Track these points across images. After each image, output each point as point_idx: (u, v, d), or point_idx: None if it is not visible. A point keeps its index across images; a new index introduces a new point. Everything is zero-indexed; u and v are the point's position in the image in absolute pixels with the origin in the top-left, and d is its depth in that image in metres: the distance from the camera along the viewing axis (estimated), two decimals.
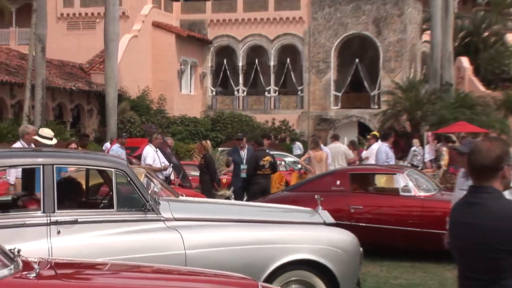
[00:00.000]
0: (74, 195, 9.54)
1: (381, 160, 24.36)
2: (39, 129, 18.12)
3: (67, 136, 34.04)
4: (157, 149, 19.50)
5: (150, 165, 18.56)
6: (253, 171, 20.12)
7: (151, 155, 18.95)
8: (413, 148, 30.04)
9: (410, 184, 15.93)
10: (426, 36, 50.43)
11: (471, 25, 54.71)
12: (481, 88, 48.06)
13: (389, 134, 28.86)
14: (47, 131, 16.57)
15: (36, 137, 15.57)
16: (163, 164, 19.41)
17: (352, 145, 29.57)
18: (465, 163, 8.85)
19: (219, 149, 34.05)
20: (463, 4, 58.48)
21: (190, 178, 22.27)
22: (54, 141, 16.27)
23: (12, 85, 40.61)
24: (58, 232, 8.14)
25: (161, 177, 17.67)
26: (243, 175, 20.91)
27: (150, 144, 19.38)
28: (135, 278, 6.54)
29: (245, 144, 22.85)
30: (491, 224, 4.70)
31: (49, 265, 6.20)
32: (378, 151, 24.91)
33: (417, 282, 13.01)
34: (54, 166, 8.35)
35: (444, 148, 28.16)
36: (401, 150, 31.57)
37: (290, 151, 39.42)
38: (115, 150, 21.08)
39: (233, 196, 22.92)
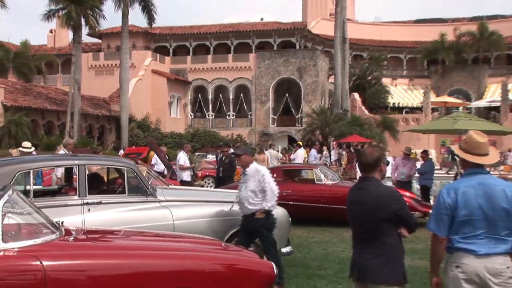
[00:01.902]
0: (99, 185, 9.73)
1: (312, 159, 26.77)
2: (63, 141, 17.97)
3: (94, 146, 34.13)
4: (187, 155, 19.21)
5: (181, 165, 18.59)
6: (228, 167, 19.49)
7: (183, 158, 18.73)
8: (324, 152, 31.02)
9: (322, 176, 16.33)
10: (331, 79, 51.33)
11: (360, 72, 56.60)
12: (367, 113, 49.81)
13: (315, 143, 33.01)
14: (27, 144, 16.01)
15: (20, 149, 15.40)
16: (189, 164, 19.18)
17: (284, 150, 31.95)
18: (241, 161, 9.32)
19: (196, 153, 35.14)
20: (355, 59, 60.07)
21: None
22: (32, 149, 15.84)
23: (58, 112, 41.85)
24: (88, 210, 8.38)
25: (157, 172, 17.73)
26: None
27: (183, 151, 19.14)
28: (141, 240, 6.72)
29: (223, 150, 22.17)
30: (372, 201, 4.97)
31: (82, 232, 6.28)
32: (310, 154, 27.57)
33: (326, 239, 13.33)
34: (86, 166, 8.57)
35: (344, 152, 29.52)
36: (319, 153, 30.42)
37: None
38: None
39: (207, 185, 23.13)
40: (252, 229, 8.67)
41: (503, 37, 61.06)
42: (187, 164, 18.83)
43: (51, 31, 59.47)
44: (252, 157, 9.18)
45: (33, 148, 16.07)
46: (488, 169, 5.20)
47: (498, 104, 51.24)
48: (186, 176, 18.62)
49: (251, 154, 9.25)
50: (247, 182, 8.76)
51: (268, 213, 8.69)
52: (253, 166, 8.94)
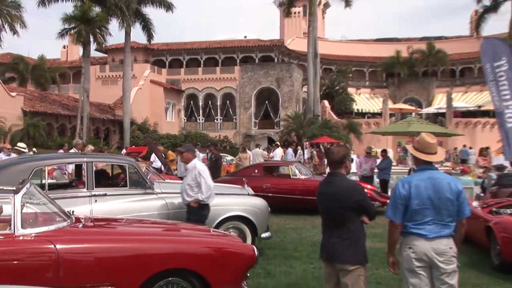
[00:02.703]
0: (104, 179, 9.64)
1: (289, 157, 26.69)
2: (76, 142, 17.43)
3: (100, 146, 32.68)
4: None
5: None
6: (215, 165, 20.38)
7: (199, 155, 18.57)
8: (298, 151, 30.84)
9: (297, 171, 16.31)
10: (304, 88, 50.73)
11: (329, 83, 56.27)
12: (335, 117, 49.30)
13: (292, 143, 33.10)
14: (22, 145, 16.23)
15: (16, 147, 15.47)
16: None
17: (267, 149, 31.97)
18: (183, 158, 9.09)
19: None
20: (325, 71, 59.48)
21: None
22: (26, 149, 15.97)
23: (70, 116, 41.57)
24: (95, 201, 8.27)
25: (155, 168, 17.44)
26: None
27: (196, 150, 20.46)
28: (140, 227, 6.68)
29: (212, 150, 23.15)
30: (338, 193, 4.99)
31: (90, 220, 6.27)
32: (287, 153, 27.60)
33: (300, 226, 13.34)
34: (93, 163, 8.49)
35: (315, 152, 29.49)
36: (294, 152, 30.30)
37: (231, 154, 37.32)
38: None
39: None
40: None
41: (448, 54, 61.68)
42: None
43: (64, 47, 59.44)
44: (193, 154, 8.84)
45: (27, 149, 16.18)
46: (436, 165, 5.27)
47: (444, 110, 51.63)
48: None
49: (193, 152, 8.91)
50: (187, 176, 8.57)
51: (204, 205, 8.45)
52: (193, 162, 8.65)
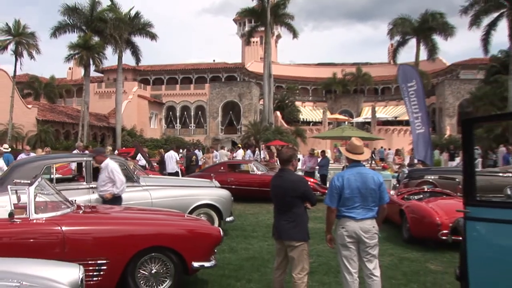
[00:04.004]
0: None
1: (248, 157, 26.38)
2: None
3: (99, 147, 33.68)
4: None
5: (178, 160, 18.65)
6: (189, 163, 20.39)
7: (199, 155, 19.98)
8: (256, 152, 30.30)
9: (255, 168, 16.12)
10: (261, 101, 50.46)
11: (280, 97, 56.30)
12: (285, 125, 49.31)
13: (251, 145, 33.11)
14: (6, 146, 15.86)
15: (1, 148, 14.65)
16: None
17: (231, 150, 31.70)
18: (95, 160, 8.13)
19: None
20: (277, 88, 58.81)
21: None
22: (9, 149, 15.56)
23: (73, 124, 41.62)
24: (93, 192, 8.10)
25: (141, 165, 16.83)
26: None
27: (196, 151, 19.73)
28: (129, 213, 6.59)
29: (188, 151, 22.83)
30: (287, 185, 4.95)
31: (89, 207, 6.23)
32: (247, 153, 27.43)
33: (257, 211, 13.24)
34: (90, 161, 8.40)
35: (267, 152, 29.44)
36: (253, 153, 30.27)
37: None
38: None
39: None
40: None
41: (372, 76, 62.52)
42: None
43: (69, 68, 58.80)
44: (104, 156, 8.16)
45: (9, 149, 15.86)
46: (364, 163, 5.31)
47: (369, 120, 52.21)
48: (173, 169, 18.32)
49: (103, 153, 8.31)
50: (101, 173, 7.93)
51: (118, 197, 7.92)
52: (105, 162, 7.93)
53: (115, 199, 7.88)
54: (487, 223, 4.09)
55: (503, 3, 31.66)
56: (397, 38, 44.04)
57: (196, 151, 21.08)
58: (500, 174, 13.48)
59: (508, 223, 3.93)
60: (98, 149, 8.98)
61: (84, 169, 8.61)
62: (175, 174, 17.86)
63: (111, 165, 7.91)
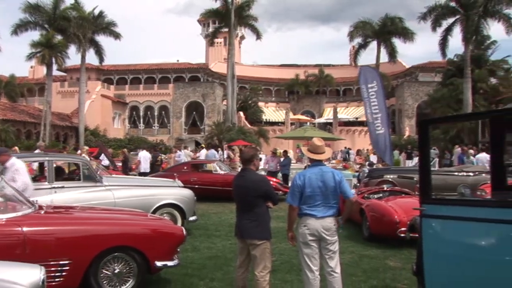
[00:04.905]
0: (62, 174, 9.41)
1: (211, 157, 24.83)
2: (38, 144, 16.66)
3: (60, 148, 33.49)
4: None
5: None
6: (154, 162, 20.14)
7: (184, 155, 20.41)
8: (219, 152, 29.72)
9: (218, 168, 16.39)
10: (224, 102, 51.17)
11: (244, 98, 56.20)
12: (248, 125, 49.65)
13: (215, 146, 32.94)
14: None
15: None
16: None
17: (194, 151, 31.24)
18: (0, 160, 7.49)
19: (131, 152, 32.41)
20: (240, 89, 58.64)
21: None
22: None
23: (35, 124, 41.19)
24: (55, 192, 8.07)
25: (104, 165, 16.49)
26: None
27: (181, 151, 20.63)
28: (92, 213, 6.51)
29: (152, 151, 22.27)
30: (249, 184, 4.97)
31: (50, 207, 6.15)
32: (210, 153, 26.02)
33: (220, 211, 13.18)
34: (53, 161, 8.42)
35: (230, 152, 29.29)
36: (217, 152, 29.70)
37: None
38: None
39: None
40: None
41: (334, 78, 63.09)
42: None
43: (31, 67, 57.20)
44: (9, 155, 7.58)
45: None
46: (325, 162, 5.45)
47: (331, 121, 52.76)
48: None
49: (6, 153, 7.71)
50: (7, 173, 7.29)
51: None
52: (11, 162, 7.39)
53: None
54: (442, 220, 4.17)
55: (458, 10, 32.89)
56: (359, 40, 44.98)
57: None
58: (455, 173, 13.95)
59: (461, 220, 4.02)
60: (1, 149, 8.28)
61: (46, 169, 8.49)
62: (146, 174, 17.87)
63: (17, 165, 7.41)
